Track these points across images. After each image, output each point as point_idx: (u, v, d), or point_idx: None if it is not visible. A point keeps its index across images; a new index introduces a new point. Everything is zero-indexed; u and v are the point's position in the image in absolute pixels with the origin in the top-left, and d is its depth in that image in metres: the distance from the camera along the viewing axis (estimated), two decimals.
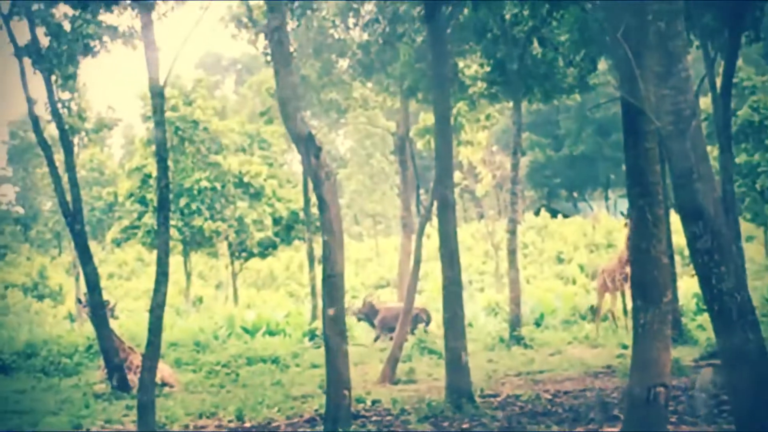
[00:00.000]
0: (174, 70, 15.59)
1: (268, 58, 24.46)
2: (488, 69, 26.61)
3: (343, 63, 29.72)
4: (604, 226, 56.83)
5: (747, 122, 42.32)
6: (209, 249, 48.17)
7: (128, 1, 19.45)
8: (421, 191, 35.79)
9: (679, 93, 9.42)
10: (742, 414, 9.54)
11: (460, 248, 16.72)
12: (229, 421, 15.67)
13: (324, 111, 35.47)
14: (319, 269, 16.56)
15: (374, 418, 15.03)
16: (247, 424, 15.39)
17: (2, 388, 21.03)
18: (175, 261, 43.14)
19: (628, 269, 20.21)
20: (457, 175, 39.09)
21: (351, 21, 27.23)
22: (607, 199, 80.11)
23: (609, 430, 12.64)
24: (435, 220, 17.77)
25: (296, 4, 24.72)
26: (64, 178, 21.68)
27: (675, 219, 12.45)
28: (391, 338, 24.51)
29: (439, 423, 14.30)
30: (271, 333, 30.44)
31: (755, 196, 43.85)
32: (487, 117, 35.11)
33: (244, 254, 48.86)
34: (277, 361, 23.59)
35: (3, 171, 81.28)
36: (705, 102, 29.78)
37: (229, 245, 47.98)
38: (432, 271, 41.86)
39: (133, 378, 18.93)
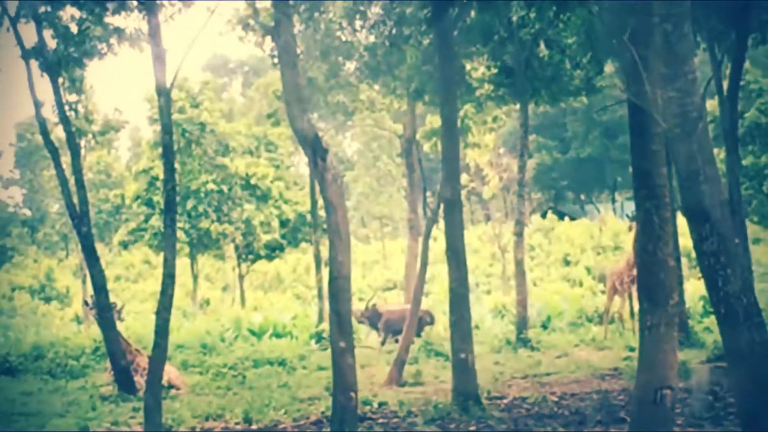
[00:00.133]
0: (181, 73, 15.59)
1: (275, 60, 24.51)
2: (495, 71, 26.61)
3: (350, 65, 29.70)
4: (611, 228, 56.70)
5: (754, 124, 42.35)
6: (216, 251, 48.20)
7: (135, 3, 19.51)
8: (428, 193, 35.86)
9: (685, 95, 9.40)
10: (747, 416, 9.53)
11: (466, 250, 16.73)
12: (236, 424, 15.69)
13: (331, 113, 35.44)
14: (325, 271, 16.57)
15: (381, 421, 15.06)
16: (254, 427, 15.41)
17: (9, 390, 21.04)
18: (182, 263, 43.27)
19: (635, 272, 20.20)
20: (463, 178, 39.12)
21: (358, 23, 27.20)
22: (613, 201, 80.00)
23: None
24: (442, 223, 17.76)
25: (303, 6, 24.77)
26: (71, 180, 21.71)
27: (682, 221, 12.44)
28: (396, 340, 24.53)
29: (445, 425, 14.31)
30: (278, 335, 30.44)
31: (762, 199, 43.86)
32: (494, 119, 35.08)
33: (251, 256, 48.93)
34: (283, 363, 23.57)
35: (10, 173, 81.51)
36: (712, 104, 29.81)
37: (236, 247, 48.01)
38: (439, 274, 41.87)
39: (140, 380, 18.96)
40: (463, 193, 29.74)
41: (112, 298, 21.28)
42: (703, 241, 9.37)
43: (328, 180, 12.59)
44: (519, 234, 26.16)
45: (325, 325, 26.33)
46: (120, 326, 21.61)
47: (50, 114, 22.13)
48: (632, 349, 20.84)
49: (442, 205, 17.38)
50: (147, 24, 15.38)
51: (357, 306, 28.27)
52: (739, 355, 9.32)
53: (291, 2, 15.96)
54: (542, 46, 25.22)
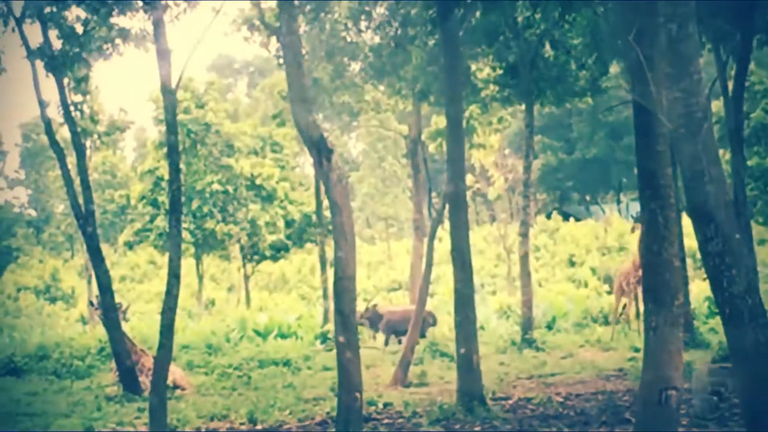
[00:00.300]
0: (186, 73, 15.62)
1: (281, 60, 24.54)
2: (500, 72, 26.61)
3: (355, 66, 29.69)
4: (616, 229, 56.63)
5: (759, 125, 42.30)
6: (221, 252, 48.27)
7: (140, 3, 19.50)
8: (433, 194, 35.81)
9: (690, 96, 9.40)
10: (752, 416, 9.52)
11: (472, 251, 16.70)
12: (241, 424, 15.69)
13: (336, 114, 35.45)
14: (331, 272, 16.55)
15: (386, 421, 15.05)
16: (259, 427, 15.40)
17: (14, 391, 21.08)
18: (187, 264, 43.26)
19: (641, 272, 20.18)
20: (469, 178, 39.09)
21: (363, 24, 27.20)
22: (619, 202, 79.88)
23: None
24: (447, 223, 17.76)
25: (308, 7, 24.77)
26: (77, 180, 21.72)
27: (687, 222, 12.42)
28: (399, 341, 24.52)
29: (450, 426, 14.30)
30: (283, 336, 30.48)
31: (767, 200, 43.76)
32: (500, 120, 35.11)
33: (256, 257, 48.96)
34: (288, 363, 23.58)
35: (15, 174, 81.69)
36: (717, 105, 29.71)
37: (241, 248, 48.08)
38: (444, 274, 41.84)
39: (145, 380, 18.99)
40: (469, 193, 29.76)
41: (117, 299, 21.27)
42: (708, 242, 9.37)
43: (333, 180, 12.58)
44: (524, 235, 26.14)
45: (330, 326, 26.35)
46: (125, 326, 21.61)
47: (55, 114, 22.20)
48: (637, 350, 20.84)
49: (447, 206, 17.38)
50: (152, 24, 15.39)
51: (359, 307, 28.30)
52: (744, 355, 9.32)
53: (296, 3, 15.97)
54: (547, 46, 25.23)
